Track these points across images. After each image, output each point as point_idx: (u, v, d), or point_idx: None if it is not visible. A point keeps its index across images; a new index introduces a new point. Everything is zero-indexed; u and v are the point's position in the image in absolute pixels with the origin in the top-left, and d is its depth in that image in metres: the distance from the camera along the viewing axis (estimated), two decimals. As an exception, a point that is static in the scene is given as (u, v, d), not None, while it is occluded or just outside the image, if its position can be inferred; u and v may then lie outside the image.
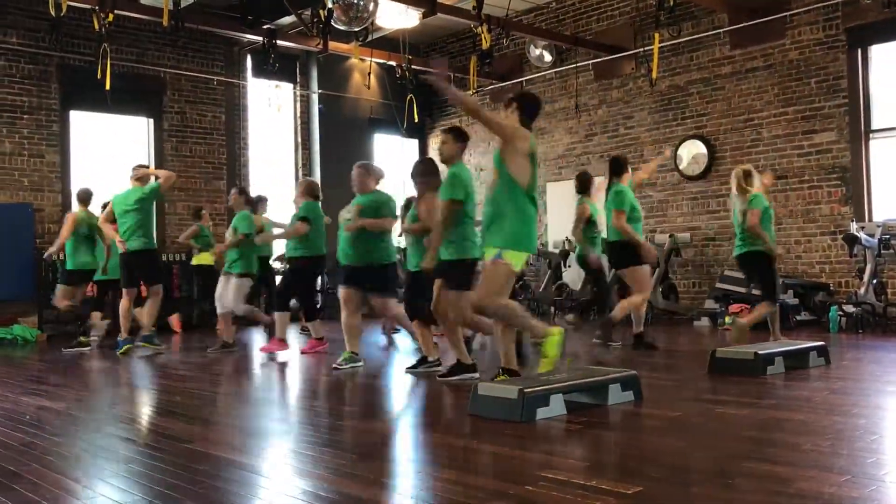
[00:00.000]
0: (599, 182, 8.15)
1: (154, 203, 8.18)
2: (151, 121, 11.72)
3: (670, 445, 3.69)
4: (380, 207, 6.46)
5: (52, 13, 8.10)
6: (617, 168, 7.46)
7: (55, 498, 2.96)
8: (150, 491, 3.11)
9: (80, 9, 8.99)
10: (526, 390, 4.13)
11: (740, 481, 2.95)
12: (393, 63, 11.97)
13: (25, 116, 10.54)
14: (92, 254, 8.75)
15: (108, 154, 11.35)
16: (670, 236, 10.51)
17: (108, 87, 9.09)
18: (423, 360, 6.11)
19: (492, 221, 4.81)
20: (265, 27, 10.36)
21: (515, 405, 4.09)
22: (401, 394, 5.63)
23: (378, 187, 6.70)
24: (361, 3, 8.72)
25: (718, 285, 9.92)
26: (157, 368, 7.07)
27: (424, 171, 6.12)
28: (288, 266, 8.07)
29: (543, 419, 4.10)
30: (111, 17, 8.94)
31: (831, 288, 9.45)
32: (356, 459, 3.55)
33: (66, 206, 10.68)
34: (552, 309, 11.23)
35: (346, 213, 6.60)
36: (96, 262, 8.79)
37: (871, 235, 8.65)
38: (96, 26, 8.87)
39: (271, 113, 12.65)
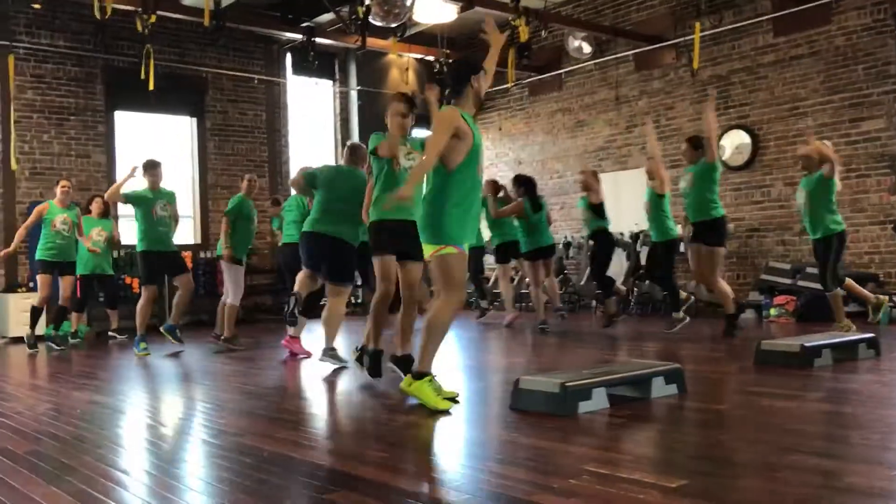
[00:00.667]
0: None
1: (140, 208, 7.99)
2: (194, 120, 11.90)
3: (715, 438, 3.65)
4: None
5: (97, 16, 8.26)
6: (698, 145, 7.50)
7: (106, 490, 3.03)
8: (199, 483, 3.17)
9: (124, 11, 9.14)
10: (568, 384, 4.12)
11: (787, 474, 2.90)
12: (431, 58, 11.98)
13: (72, 118, 10.77)
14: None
15: (153, 153, 11.50)
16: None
17: (151, 87, 9.25)
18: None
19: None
20: (304, 25, 10.44)
21: (558, 399, 4.08)
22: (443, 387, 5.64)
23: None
24: (399, -2, 8.74)
25: (763, 277, 9.77)
26: (201, 363, 7.18)
27: None
28: None
29: (586, 413, 4.08)
30: (153, 18, 9.10)
31: (881, 278, 9.24)
32: (398, 453, 3.57)
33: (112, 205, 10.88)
34: (594, 302, 11.17)
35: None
36: None
37: (922, 224, 8.44)
38: (139, 28, 9.03)
39: (311, 110, 12.75)
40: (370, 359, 5.45)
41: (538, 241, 9.01)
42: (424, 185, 4.52)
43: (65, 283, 8.81)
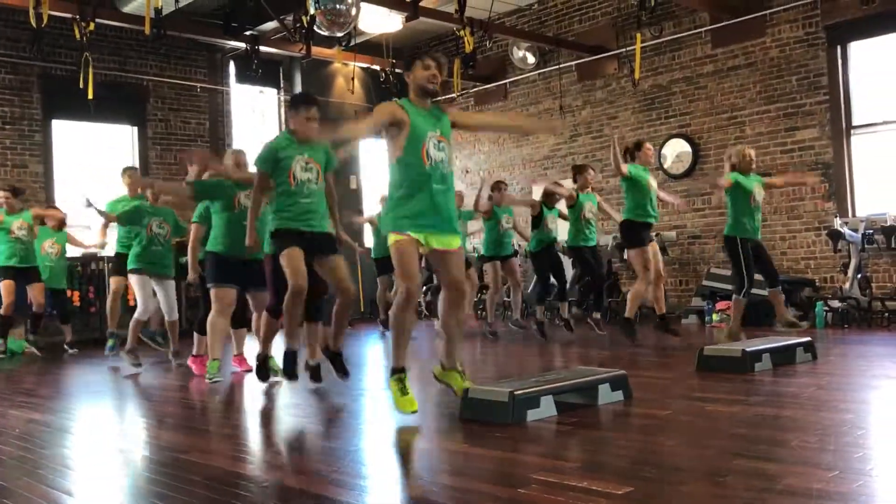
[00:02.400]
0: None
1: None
2: (135, 129, 11.68)
3: (660, 444, 3.72)
4: None
5: (33, 24, 8.06)
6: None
7: (47, 512, 2.95)
8: (143, 503, 3.10)
9: (61, 18, 8.94)
10: (516, 392, 4.15)
11: (730, 479, 2.97)
12: (377, 67, 11.98)
13: (7, 127, 10.48)
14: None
15: (92, 163, 11.29)
16: (656, 235, 10.54)
17: (90, 95, 9.05)
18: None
19: None
20: (248, 33, 10.34)
21: (506, 407, 4.11)
22: (391, 398, 5.63)
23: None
24: (344, 7, 8.71)
25: (705, 283, 9.98)
26: (146, 378, 7.04)
27: None
28: None
29: (534, 421, 4.12)
30: (92, 25, 8.90)
31: (817, 284, 9.52)
32: (347, 466, 3.56)
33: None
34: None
35: None
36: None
37: (855, 230, 8.73)
38: (77, 35, 8.83)
39: (255, 119, 12.63)
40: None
41: (508, 247, 9.11)
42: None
43: (36, 291, 8.67)
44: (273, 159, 5.11)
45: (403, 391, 4.37)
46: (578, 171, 8.60)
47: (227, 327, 6.39)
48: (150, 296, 7.34)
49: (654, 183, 7.62)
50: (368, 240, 11.63)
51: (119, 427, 4.99)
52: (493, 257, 9.01)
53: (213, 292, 6.09)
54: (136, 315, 7.30)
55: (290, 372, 5.51)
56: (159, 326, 8.19)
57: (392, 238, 4.27)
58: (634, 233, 7.42)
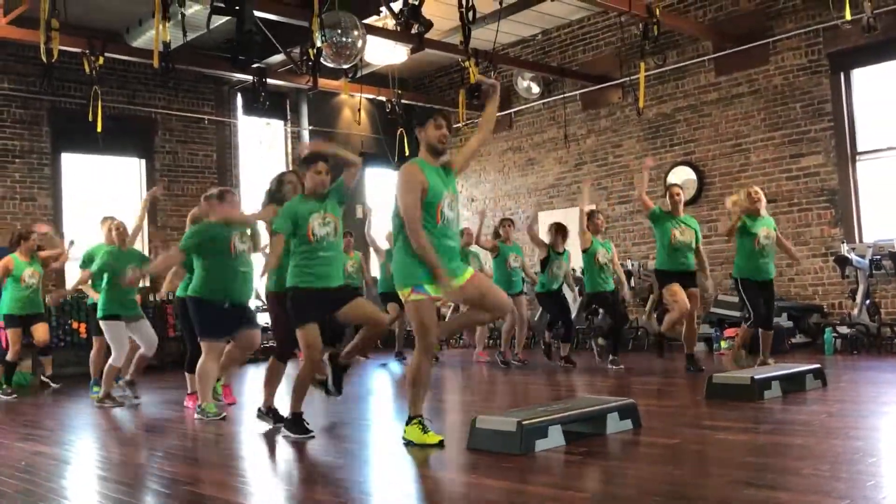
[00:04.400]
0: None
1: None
2: (143, 161, 11.76)
3: (670, 474, 3.68)
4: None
5: (44, 59, 8.16)
6: None
7: (53, 546, 2.94)
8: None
9: (71, 53, 9.05)
10: (524, 422, 4.13)
11: (741, 508, 2.94)
12: (383, 98, 12.07)
13: (17, 160, 10.56)
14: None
15: (101, 196, 11.37)
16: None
17: (99, 129, 9.13)
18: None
19: None
20: (255, 66, 10.45)
21: (514, 437, 4.08)
22: (398, 428, 5.60)
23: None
24: (350, 40, 8.80)
25: (713, 310, 9.94)
26: (149, 411, 7.02)
27: None
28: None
29: (543, 451, 4.09)
30: (101, 60, 9.02)
31: (825, 310, 9.48)
32: (354, 497, 3.53)
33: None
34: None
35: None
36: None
37: (862, 256, 8.71)
38: (87, 69, 8.94)
39: (262, 150, 12.71)
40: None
41: (518, 284, 9.14)
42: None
43: (39, 331, 8.71)
44: (292, 221, 5.04)
45: (425, 430, 4.46)
46: (589, 217, 8.52)
47: (217, 371, 6.23)
48: (126, 341, 7.22)
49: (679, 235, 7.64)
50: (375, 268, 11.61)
51: (123, 459, 4.97)
52: None
53: (205, 344, 5.96)
54: (111, 362, 7.11)
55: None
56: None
57: (408, 294, 4.42)
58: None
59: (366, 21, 9.29)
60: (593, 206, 9.50)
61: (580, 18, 11.97)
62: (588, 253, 8.36)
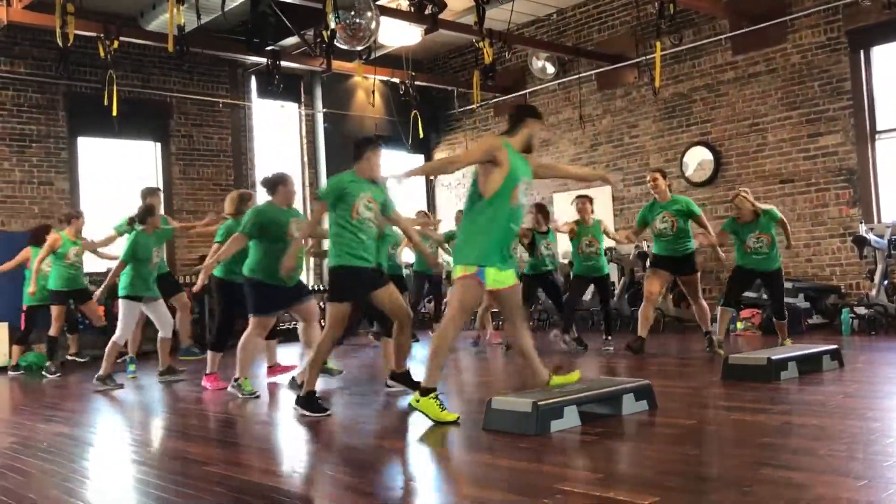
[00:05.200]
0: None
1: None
2: (159, 145, 11.80)
3: (686, 454, 3.69)
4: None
5: (60, 43, 8.19)
6: None
7: (76, 524, 2.98)
8: (170, 515, 3.13)
9: (86, 37, 9.08)
10: (540, 403, 4.14)
11: (758, 488, 2.95)
12: (396, 80, 12.04)
13: (34, 145, 10.63)
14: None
15: (117, 179, 11.44)
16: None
17: (115, 113, 9.18)
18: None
19: None
20: (269, 49, 10.44)
21: (530, 418, 4.10)
22: (409, 410, 5.64)
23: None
24: (364, 22, 8.78)
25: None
26: (168, 391, 7.09)
27: None
28: None
29: (558, 431, 4.11)
30: (116, 44, 9.05)
31: (842, 290, 9.42)
32: (372, 478, 3.56)
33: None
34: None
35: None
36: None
37: (881, 236, 8.63)
38: (102, 54, 8.97)
39: (277, 133, 12.71)
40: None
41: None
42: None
43: (95, 310, 8.99)
44: (338, 194, 5.12)
45: (442, 407, 4.54)
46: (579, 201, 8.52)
47: (259, 347, 6.48)
48: (134, 324, 7.41)
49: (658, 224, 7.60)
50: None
51: (144, 440, 5.03)
52: None
53: (256, 319, 6.12)
54: (114, 339, 7.22)
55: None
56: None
57: (464, 272, 4.57)
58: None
59: (379, 2, 9.26)
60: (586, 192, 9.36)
61: (595, -3, 11.87)
62: (573, 242, 8.41)
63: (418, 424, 4.49)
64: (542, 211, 8.84)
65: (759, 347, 7.17)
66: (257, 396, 6.17)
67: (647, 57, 10.67)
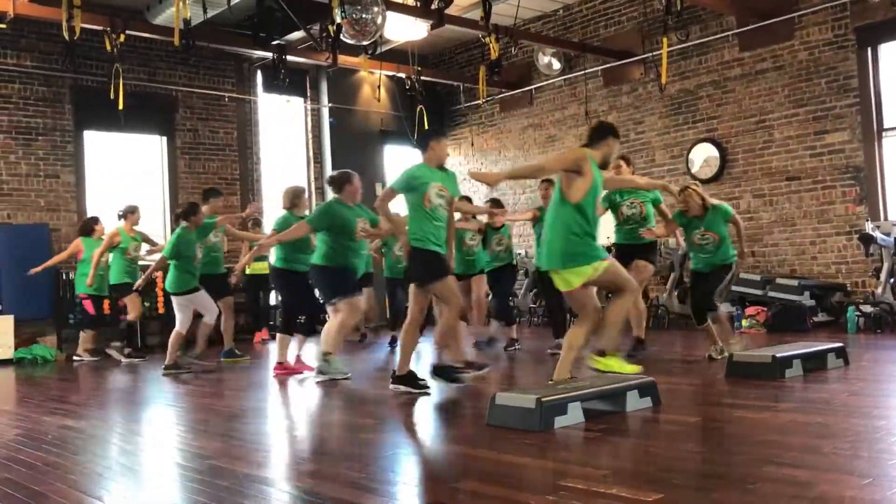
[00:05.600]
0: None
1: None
2: (164, 138, 11.82)
3: (690, 451, 3.69)
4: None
5: (66, 36, 8.20)
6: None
7: (80, 517, 2.99)
8: (174, 508, 3.14)
9: (93, 31, 9.09)
10: (543, 399, 4.14)
11: (761, 486, 2.94)
12: (402, 75, 12.03)
13: (40, 138, 10.65)
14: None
15: (123, 172, 11.46)
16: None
17: (121, 106, 9.19)
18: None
19: None
20: (275, 43, 10.44)
21: (533, 414, 4.09)
22: (418, 405, 5.64)
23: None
24: (370, 16, 8.76)
25: (733, 288, 9.87)
26: (176, 385, 7.12)
27: None
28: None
29: (562, 428, 4.10)
30: (123, 37, 9.06)
31: (848, 288, 9.39)
32: (375, 472, 3.57)
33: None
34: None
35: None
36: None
37: (887, 234, 8.60)
38: (108, 47, 8.98)
39: (283, 128, 12.71)
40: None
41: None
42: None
43: (135, 300, 9.26)
44: (409, 183, 5.52)
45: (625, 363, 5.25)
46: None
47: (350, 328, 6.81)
48: (191, 311, 7.87)
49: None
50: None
51: (150, 433, 5.04)
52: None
53: (343, 303, 6.44)
54: (177, 329, 7.74)
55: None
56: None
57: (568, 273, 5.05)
58: None
59: (386, -3, 9.24)
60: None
61: (602, -7, 11.84)
62: (535, 229, 8.07)
63: (421, 420, 4.49)
64: (498, 206, 8.28)
65: (764, 345, 7.15)
66: (347, 377, 6.48)
67: (654, 53, 10.64)
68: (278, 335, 7.29)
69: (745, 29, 10.21)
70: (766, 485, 2.96)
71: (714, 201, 6.85)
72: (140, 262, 9.38)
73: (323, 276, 6.56)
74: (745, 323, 9.35)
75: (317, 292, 6.97)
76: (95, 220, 9.57)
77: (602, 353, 5.26)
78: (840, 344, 6.11)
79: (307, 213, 7.42)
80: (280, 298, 7.48)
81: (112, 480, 3.72)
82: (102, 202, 10.88)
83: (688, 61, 10.89)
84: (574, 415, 4.21)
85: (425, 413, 5.12)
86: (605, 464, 3.58)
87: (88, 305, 9.33)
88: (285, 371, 7.02)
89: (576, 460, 3.65)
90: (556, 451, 3.79)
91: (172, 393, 6.77)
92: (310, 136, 13.19)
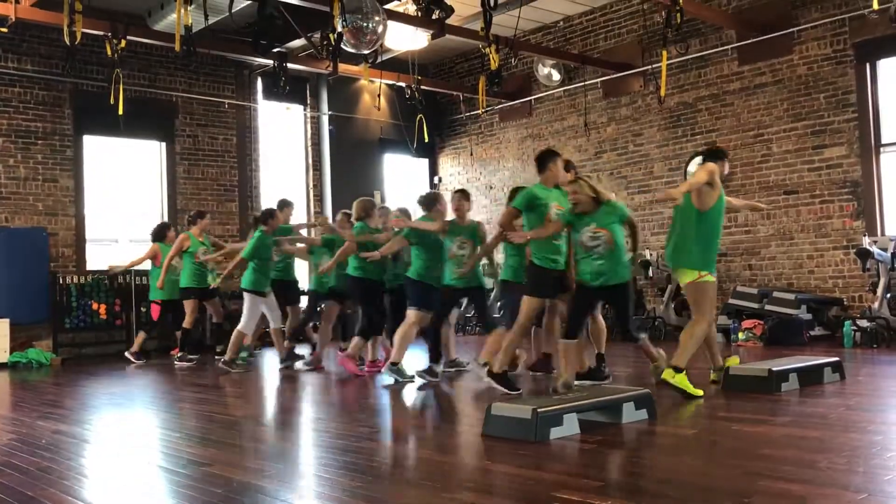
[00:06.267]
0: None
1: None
2: (164, 144, 11.82)
3: (685, 464, 3.68)
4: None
5: (67, 41, 8.21)
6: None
7: (73, 522, 2.98)
8: (167, 515, 3.12)
9: (93, 36, 9.10)
10: (539, 410, 4.13)
11: (757, 500, 2.94)
12: (402, 84, 12.05)
13: (40, 142, 10.65)
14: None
15: (121, 178, 11.46)
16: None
17: (121, 111, 9.20)
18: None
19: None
20: (275, 50, 10.45)
21: (529, 425, 4.09)
22: (415, 414, 5.63)
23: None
24: (371, 25, 8.79)
25: (730, 301, 9.88)
26: (170, 390, 7.10)
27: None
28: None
29: (557, 439, 4.10)
30: (124, 43, 9.07)
31: (845, 303, 9.40)
32: (371, 482, 3.56)
33: (80, 231, 10.79)
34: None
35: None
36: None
37: (884, 249, 8.61)
38: (109, 53, 8.99)
39: (282, 135, 12.71)
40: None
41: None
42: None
43: (216, 304, 9.70)
44: (529, 202, 5.92)
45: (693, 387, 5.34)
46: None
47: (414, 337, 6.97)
48: (259, 313, 8.28)
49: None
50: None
51: (143, 439, 5.03)
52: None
53: (416, 313, 6.75)
54: (240, 328, 8.17)
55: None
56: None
57: (702, 276, 5.54)
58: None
59: (387, 6, 9.27)
60: None
61: (602, 5, 11.88)
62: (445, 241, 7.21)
63: (417, 430, 4.48)
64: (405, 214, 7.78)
65: (761, 358, 7.15)
66: (412, 379, 6.69)
67: (653, 66, 10.68)
68: (357, 338, 7.48)
69: (744, 43, 10.24)
70: (761, 499, 2.95)
71: (610, 195, 6.05)
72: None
73: (413, 287, 6.88)
74: (741, 336, 9.34)
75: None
76: (167, 226, 9.91)
77: (678, 370, 5.39)
78: (836, 358, 6.11)
79: (380, 225, 7.69)
80: (359, 307, 7.77)
81: (105, 486, 3.71)
82: (101, 207, 10.88)
83: (687, 74, 10.92)
84: (570, 426, 4.20)
85: (422, 423, 5.11)
86: (601, 475, 3.57)
87: (156, 311, 9.57)
88: (374, 368, 7.52)
89: (571, 471, 3.64)
90: (551, 462, 3.78)
91: (168, 399, 6.75)
92: (309, 143, 13.20)
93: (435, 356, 7.08)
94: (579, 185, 5.76)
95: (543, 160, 6.07)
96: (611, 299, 6.01)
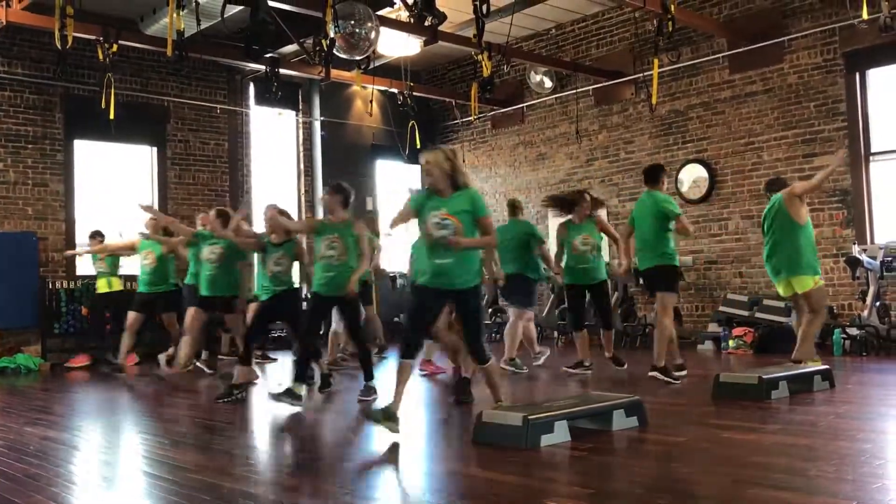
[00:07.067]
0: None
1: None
2: (155, 149, 11.78)
3: (675, 471, 3.68)
4: None
5: (59, 45, 8.18)
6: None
7: (60, 530, 2.96)
8: (155, 522, 3.10)
9: (85, 40, 9.08)
10: (530, 417, 4.13)
11: (746, 508, 2.94)
12: (395, 90, 12.05)
13: (30, 146, 10.60)
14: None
15: (112, 183, 11.41)
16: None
17: (112, 116, 9.16)
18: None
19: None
20: (268, 56, 10.45)
21: (520, 432, 4.08)
22: (405, 422, 5.61)
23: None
24: (363, 31, 8.79)
25: (721, 308, 9.91)
26: (160, 398, 7.07)
27: None
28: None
29: (548, 446, 4.09)
30: (115, 47, 9.04)
31: (834, 311, 9.42)
32: (360, 489, 3.54)
33: (70, 235, 10.73)
34: (556, 333, 11.33)
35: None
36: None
37: (874, 258, 8.66)
38: (101, 57, 8.96)
39: (274, 140, 12.68)
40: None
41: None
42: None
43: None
44: (664, 212, 6.77)
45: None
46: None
47: None
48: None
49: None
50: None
51: (132, 446, 5.00)
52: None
53: (520, 311, 7.83)
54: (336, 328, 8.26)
55: None
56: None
57: (816, 280, 6.60)
58: None
59: (379, 12, 9.28)
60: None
61: (594, 13, 11.93)
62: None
63: (407, 437, 4.47)
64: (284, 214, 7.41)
65: (751, 366, 7.17)
66: (525, 370, 7.50)
67: (645, 73, 10.72)
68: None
69: (735, 52, 10.29)
70: (751, 507, 2.95)
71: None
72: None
73: (523, 285, 7.76)
74: (731, 343, 9.37)
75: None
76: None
77: (798, 363, 6.22)
78: (826, 366, 6.13)
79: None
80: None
81: (93, 493, 3.68)
82: (91, 212, 10.83)
83: (678, 82, 10.96)
84: (560, 433, 4.20)
85: (411, 430, 5.10)
86: (591, 483, 3.57)
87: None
88: (435, 369, 7.75)
89: (562, 479, 3.64)
90: (541, 469, 3.78)
91: (156, 405, 6.71)
92: (301, 149, 13.19)
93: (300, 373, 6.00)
94: (584, 198, 7.67)
95: (657, 173, 7.11)
96: (593, 294, 7.65)
